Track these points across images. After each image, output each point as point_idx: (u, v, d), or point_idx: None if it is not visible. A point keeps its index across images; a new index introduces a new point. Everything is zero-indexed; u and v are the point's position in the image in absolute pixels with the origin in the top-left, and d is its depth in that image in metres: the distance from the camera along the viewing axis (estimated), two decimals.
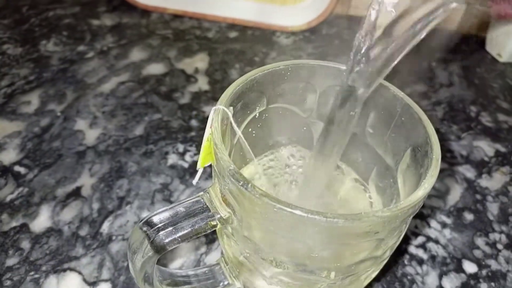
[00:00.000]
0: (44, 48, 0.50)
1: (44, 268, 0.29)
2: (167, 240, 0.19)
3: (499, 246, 0.33)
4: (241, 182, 0.17)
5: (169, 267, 0.30)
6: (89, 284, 0.29)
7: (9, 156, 0.37)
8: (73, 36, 0.52)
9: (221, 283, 0.26)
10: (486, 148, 0.41)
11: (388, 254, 0.21)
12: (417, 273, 0.31)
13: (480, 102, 0.46)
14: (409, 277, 0.30)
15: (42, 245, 0.31)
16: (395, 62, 0.17)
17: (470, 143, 0.41)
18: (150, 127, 0.40)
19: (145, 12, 0.58)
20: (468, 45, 0.55)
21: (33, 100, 0.43)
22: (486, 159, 0.40)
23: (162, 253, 0.19)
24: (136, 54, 0.50)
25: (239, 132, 0.22)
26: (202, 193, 0.20)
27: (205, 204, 0.20)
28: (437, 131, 0.42)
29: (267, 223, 0.18)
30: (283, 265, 0.21)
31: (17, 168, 0.36)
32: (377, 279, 0.30)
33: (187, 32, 0.54)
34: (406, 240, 0.33)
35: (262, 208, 0.17)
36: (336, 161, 0.21)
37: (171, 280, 0.23)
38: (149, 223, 0.19)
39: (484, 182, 0.38)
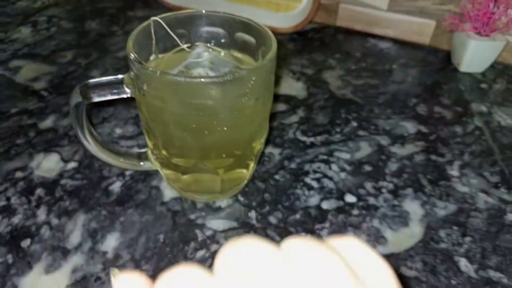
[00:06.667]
0: (88, 26, 0.66)
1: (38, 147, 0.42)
2: (92, 94, 0.30)
3: (383, 190, 0.40)
4: (141, 64, 0.28)
5: None
6: (64, 161, 0.40)
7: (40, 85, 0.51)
8: (112, 20, 0.68)
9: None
10: (410, 127, 0.48)
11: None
12: (304, 195, 0.39)
13: (423, 97, 0.53)
14: (295, 195, 0.38)
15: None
16: None
17: (396, 122, 0.48)
18: None
19: (169, 10, 0.72)
20: (437, 57, 0.62)
21: (68, 56, 0.58)
22: (405, 134, 0.47)
23: (89, 101, 0.30)
24: None
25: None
26: (126, 74, 0.31)
27: (123, 80, 0.31)
28: (371, 110, 0.50)
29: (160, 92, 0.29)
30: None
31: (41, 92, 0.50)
32: (266, 190, 0.38)
33: None
34: (305, 174, 0.41)
35: (150, 78, 0.28)
36: None
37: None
38: (84, 85, 0.31)
39: (394, 148, 0.45)
